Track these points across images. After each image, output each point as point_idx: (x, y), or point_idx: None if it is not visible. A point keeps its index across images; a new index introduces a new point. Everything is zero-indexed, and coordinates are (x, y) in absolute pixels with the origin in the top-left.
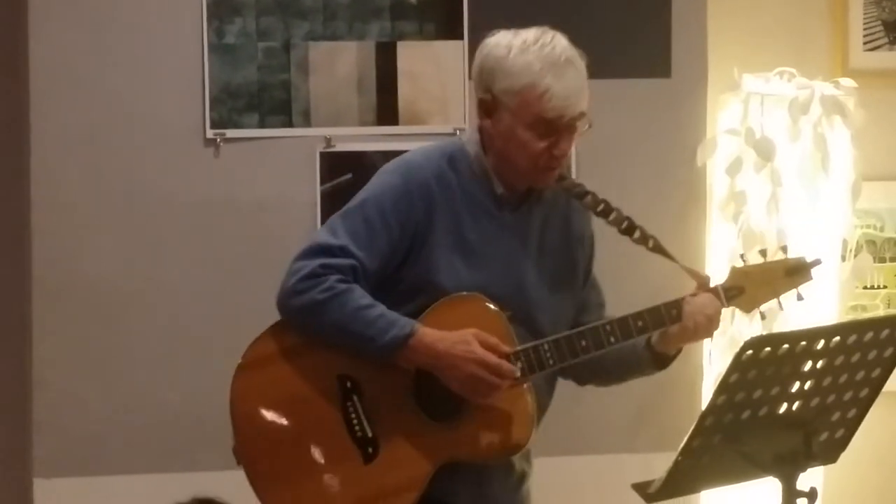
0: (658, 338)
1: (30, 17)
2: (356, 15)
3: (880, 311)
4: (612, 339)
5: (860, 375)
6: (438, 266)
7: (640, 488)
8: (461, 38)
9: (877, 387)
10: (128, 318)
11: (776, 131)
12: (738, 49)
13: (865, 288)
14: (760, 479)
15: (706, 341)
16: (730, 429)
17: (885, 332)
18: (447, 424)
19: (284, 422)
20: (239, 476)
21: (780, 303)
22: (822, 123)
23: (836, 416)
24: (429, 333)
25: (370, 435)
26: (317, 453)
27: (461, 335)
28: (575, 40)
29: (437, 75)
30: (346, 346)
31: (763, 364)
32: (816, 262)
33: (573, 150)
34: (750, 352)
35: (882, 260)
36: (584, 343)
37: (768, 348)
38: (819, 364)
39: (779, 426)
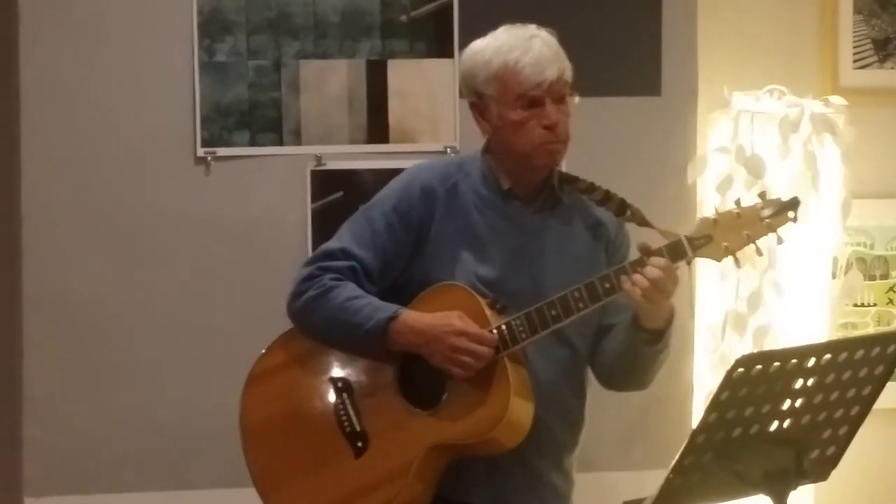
0: (639, 314)
1: (20, 35)
2: (347, 33)
3: (870, 329)
4: (581, 305)
5: (851, 393)
6: (446, 261)
7: None
8: (451, 56)
9: (867, 404)
10: (118, 335)
11: (766, 149)
12: (729, 67)
13: (856, 305)
14: (751, 496)
15: (696, 359)
16: (721, 447)
17: (876, 350)
18: (430, 411)
19: (285, 429)
20: (230, 494)
21: (757, 248)
22: (812, 141)
23: (826, 433)
24: (411, 315)
25: (359, 429)
26: (313, 454)
27: (442, 313)
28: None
29: (427, 94)
30: (340, 339)
31: (754, 382)
32: (795, 202)
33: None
34: (741, 369)
35: (872, 277)
36: (553, 312)
37: (759, 366)
38: (810, 382)
39: (770, 444)
